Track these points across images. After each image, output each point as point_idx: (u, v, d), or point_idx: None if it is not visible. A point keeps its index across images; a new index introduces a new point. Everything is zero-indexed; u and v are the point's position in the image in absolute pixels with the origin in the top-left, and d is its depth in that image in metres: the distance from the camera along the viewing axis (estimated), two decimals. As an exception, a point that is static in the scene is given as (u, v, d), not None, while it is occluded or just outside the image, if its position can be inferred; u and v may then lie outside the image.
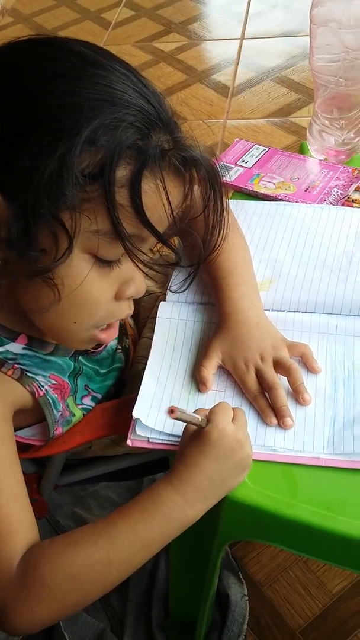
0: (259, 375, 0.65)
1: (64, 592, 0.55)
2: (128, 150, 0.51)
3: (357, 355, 0.67)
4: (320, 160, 0.92)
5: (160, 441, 0.62)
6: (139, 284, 0.59)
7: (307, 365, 0.66)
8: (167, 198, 0.53)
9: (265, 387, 0.64)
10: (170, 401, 0.64)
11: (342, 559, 0.59)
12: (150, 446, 0.62)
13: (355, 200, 0.83)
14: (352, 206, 0.83)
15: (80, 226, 0.51)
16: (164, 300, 0.75)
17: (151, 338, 0.72)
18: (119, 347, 0.78)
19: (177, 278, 0.75)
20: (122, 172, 0.51)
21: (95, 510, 0.98)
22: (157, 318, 0.72)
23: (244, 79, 2.23)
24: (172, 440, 0.62)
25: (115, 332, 0.64)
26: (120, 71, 0.53)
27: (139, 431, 0.62)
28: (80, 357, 0.70)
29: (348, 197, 0.84)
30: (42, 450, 0.69)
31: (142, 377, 0.67)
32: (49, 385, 0.65)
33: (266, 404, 0.63)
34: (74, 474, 0.84)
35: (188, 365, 0.68)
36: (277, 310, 0.72)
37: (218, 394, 0.65)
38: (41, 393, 0.63)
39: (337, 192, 0.85)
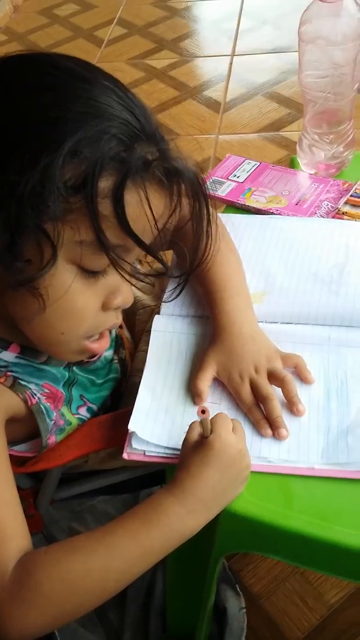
0: (254, 386, 0.65)
1: (60, 599, 0.55)
2: (111, 162, 0.51)
3: (350, 366, 0.67)
4: (311, 174, 0.93)
5: (156, 454, 0.62)
6: (125, 294, 0.60)
7: (301, 376, 0.66)
8: (150, 209, 0.54)
9: (259, 398, 0.65)
10: (166, 414, 0.65)
11: (339, 569, 0.59)
12: (147, 459, 0.62)
13: (346, 212, 0.85)
14: (343, 219, 0.84)
15: (64, 237, 0.52)
16: (159, 313, 0.76)
17: (147, 351, 0.72)
18: (115, 357, 0.79)
19: (169, 293, 0.76)
20: (105, 184, 0.51)
21: (92, 525, 0.97)
22: (151, 331, 0.73)
23: (235, 95, 2.26)
24: (168, 453, 0.62)
25: (106, 342, 0.65)
26: (105, 85, 0.54)
27: (135, 444, 0.62)
28: (74, 367, 0.71)
29: (338, 210, 0.85)
30: (38, 464, 0.69)
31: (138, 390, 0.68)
32: (41, 394, 0.65)
33: (261, 415, 0.64)
34: (71, 488, 0.84)
35: (183, 378, 0.68)
36: (270, 322, 0.72)
37: (213, 406, 0.66)
38: (34, 401, 0.64)
39: (328, 205, 0.87)
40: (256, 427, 0.63)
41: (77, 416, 0.71)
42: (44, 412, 0.65)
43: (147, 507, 0.58)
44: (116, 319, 0.62)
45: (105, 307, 0.59)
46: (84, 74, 0.54)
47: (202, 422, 0.57)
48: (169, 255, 0.80)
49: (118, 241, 0.54)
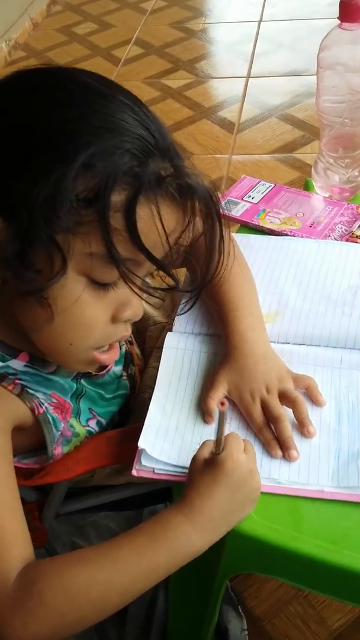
0: (265, 406, 0.65)
1: (62, 610, 0.54)
2: (124, 176, 0.51)
3: (362, 388, 0.67)
4: (325, 197, 0.94)
5: (165, 472, 0.62)
6: (135, 307, 0.60)
7: (312, 397, 0.66)
8: (162, 224, 0.54)
9: (270, 418, 0.65)
10: (176, 432, 0.65)
11: (346, 593, 0.59)
12: (156, 477, 0.62)
13: (359, 236, 0.85)
14: (357, 242, 0.84)
15: (75, 248, 0.52)
16: (171, 330, 0.76)
17: (157, 368, 0.72)
18: (124, 373, 0.79)
19: (182, 306, 0.76)
20: (117, 197, 0.51)
21: (95, 540, 0.97)
22: (163, 348, 0.73)
23: (249, 116, 2.29)
24: (177, 471, 0.62)
25: (115, 354, 0.65)
26: (122, 101, 0.55)
27: (144, 461, 0.62)
28: (82, 380, 0.71)
29: (352, 233, 0.86)
30: (45, 477, 0.69)
31: (147, 407, 0.68)
32: (49, 404, 0.65)
33: (271, 436, 0.64)
34: (76, 502, 0.84)
35: (194, 396, 0.68)
36: (282, 343, 0.73)
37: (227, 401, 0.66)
38: (41, 410, 0.64)
39: (342, 228, 0.87)
40: (266, 448, 0.63)
41: (87, 428, 0.71)
42: (51, 422, 0.65)
43: (154, 523, 0.57)
44: (125, 331, 0.62)
45: (114, 319, 0.59)
46: (102, 89, 0.55)
47: (216, 440, 0.57)
48: (183, 271, 0.81)
49: (129, 255, 0.54)
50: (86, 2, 3.34)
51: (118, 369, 0.78)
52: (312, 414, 0.65)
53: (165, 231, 0.54)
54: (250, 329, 0.70)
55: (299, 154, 2.06)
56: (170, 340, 0.74)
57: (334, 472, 0.60)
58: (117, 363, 0.78)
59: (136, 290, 0.56)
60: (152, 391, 0.70)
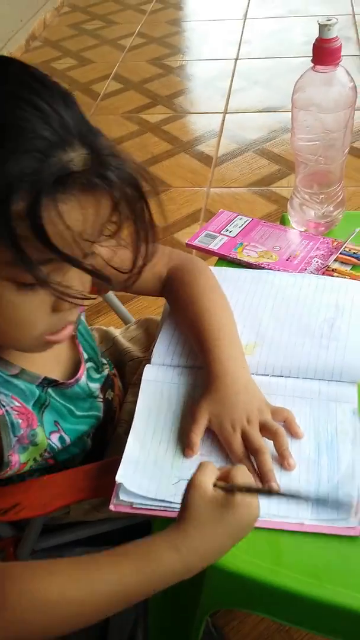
0: (245, 438, 0.65)
1: (26, 619, 0.52)
2: (22, 183, 0.49)
3: (340, 420, 0.68)
4: (301, 231, 0.96)
5: (143, 506, 0.62)
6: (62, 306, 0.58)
7: (290, 430, 0.67)
8: (66, 224, 0.51)
9: (251, 450, 0.65)
10: (155, 465, 0.65)
11: (327, 628, 0.58)
12: (134, 511, 0.62)
13: (335, 269, 0.87)
14: (332, 275, 0.86)
15: None
16: (149, 362, 0.76)
17: (133, 402, 0.72)
18: (101, 395, 0.78)
19: (159, 346, 0.77)
20: (19, 206, 0.49)
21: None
22: (142, 380, 0.73)
23: (226, 150, 2.34)
24: (156, 505, 0.62)
25: (69, 330, 0.63)
26: (20, 97, 0.51)
27: (122, 496, 0.62)
28: (49, 389, 0.70)
29: (328, 267, 0.87)
30: (20, 513, 0.68)
31: (124, 441, 0.68)
32: (10, 407, 0.64)
33: (252, 468, 0.64)
34: (52, 538, 0.82)
35: (173, 429, 0.68)
36: (262, 375, 0.73)
37: (203, 458, 0.66)
38: (0, 412, 0.63)
39: (318, 261, 0.89)
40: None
41: (48, 441, 0.70)
42: (9, 426, 0.64)
43: (141, 550, 0.55)
44: (71, 316, 0.60)
45: (55, 309, 0.58)
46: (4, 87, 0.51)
47: (231, 474, 0.55)
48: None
49: (45, 256, 0.51)
50: (65, 38, 3.40)
51: (94, 386, 0.77)
52: (292, 446, 0.65)
53: (71, 229, 0.51)
54: (232, 359, 0.70)
55: (276, 188, 2.10)
56: (149, 373, 0.74)
57: (313, 505, 0.60)
58: (94, 380, 0.78)
59: (56, 292, 0.53)
60: (128, 426, 0.69)
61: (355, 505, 0.60)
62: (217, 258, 0.94)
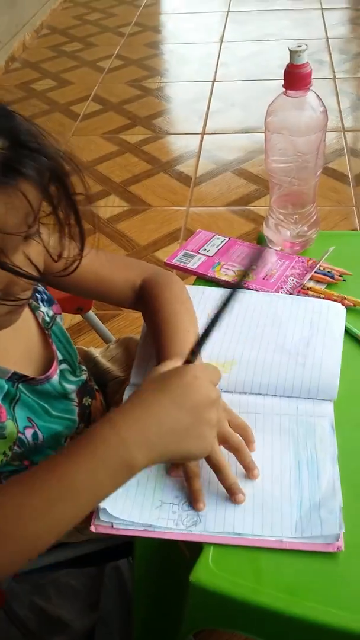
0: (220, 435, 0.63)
1: None
2: None
3: (319, 436, 0.69)
4: (277, 250, 0.98)
5: (124, 526, 0.62)
6: (22, 284, 0.57)
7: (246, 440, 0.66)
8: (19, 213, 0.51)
9: (211, 466, 0.63)
10: (137, 488, 0.65)
11: (308, 646, 0.59)
12: (114, 532, 0.62)
13: (310, 288, 0.89)
14: (307, 294, 0.88)
15: None
16: (129, 383, 0.76)
17: None
18: (76, 399, 0.78)
19: (138, 366, 0.77)
20: None
21: (55, 599, 0.94)
22: (123, 403, 0.73)
23: (205, 170, 2.37)
24: (137, 526, 0.62)
25: (22, 308, 0.63)
26: None
27: (102, 516, 0.62)
28: (20, 385, 0.70)
29: (303, 286, 0.89)
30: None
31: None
32: None
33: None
34: (34, 560, 0.82)
35: None
36: (239, 393, 0.74)
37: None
38: None
39: (293, 280, 0.91)
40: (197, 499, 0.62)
41: (20, 435, 0.69)
42: None
43: (79, 440, 0.53)
44: (24, 296, 0.60)
45: (5, 295, 0.57)
46: None
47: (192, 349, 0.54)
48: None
49: None
50: (44, 60, 3.44)
51: (70, 387, 0.77)
52: (272, 464, 0.66)
53: None
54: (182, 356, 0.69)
55: (253, 207, 2.13)
56: (129, 396, 0.74)
57: (297, 522, 0.61)
58: (69, 382, 0.78)
59: None
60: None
61: (337, 522, 0.60)
62: (195, 277, 0.95)
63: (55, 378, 0.75)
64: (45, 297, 0.79)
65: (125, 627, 0.89)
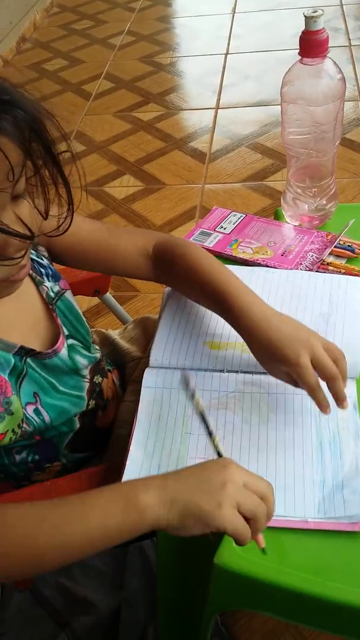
0: (316, 364, 0.63)
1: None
2: None
3: (341, 416, 0.68)
4: (295, 225, 0.96)
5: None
6: (16, 244, 0.58)
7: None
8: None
9: (325, 377, 0.63)
10: (159, 470, 0.64)
11: (333, 626, 0.58)
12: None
13: (330, 263, 0.87)
14: (327, 269, 0.86)
15: None
16: (147, 365, 0.76)
17: (132, 402, 0.72)
18: (87, 375, 0.78)
19: (157, 347, 0.76)
20: None
21: (81, 580, 0.95)
22: (142, 387, 0.73)
23: (220, 146, 2.33)
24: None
25: (27, 268, 0.64)
26: None
27: None
28: (28, 359, 0.70)
29: (323, 261, 0.87)
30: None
31: (125, 442, 0.68)
32: None
33: (323, 396, 0.63)
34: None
35: (175, 434, 0.68)
36: (260, 373, 0.73)
37: (209, 437, 0.66)
38: None
39: (313, 255, 0.89)
40: (319, 407, 0.63)
41: (23, 411, 0.69)
42: None
43: (115, 485, 0.57)
44: (23, 260, 0.61)
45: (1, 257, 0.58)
46: None
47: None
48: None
49: None
50: (55, 39, 3.39)
51: (82, 362, 0.77)
52: (295, 446, 0.65)
53: None
54: (255, 305, 0.68)
55: (270, 182, 2.09)
56: (148, 379, 0.74)
57: (319, 503, 0.60)
58: (82, 356, 0.78)
59: None
60: (129, 427, 0.69)
61: None
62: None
63: (64, 352, 0.75)
64: (51, 272, 0.78)
65: (150, 607, 0.89)
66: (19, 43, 3.37)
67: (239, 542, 0.55)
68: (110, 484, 0.64)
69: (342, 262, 0.87)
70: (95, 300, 1.28)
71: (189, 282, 0.77)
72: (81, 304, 0.82)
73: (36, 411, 0.71)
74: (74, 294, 0.82)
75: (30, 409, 0.70)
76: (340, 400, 0.64)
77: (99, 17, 3.56)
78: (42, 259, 0.77)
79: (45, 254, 0.79)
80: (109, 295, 1.10)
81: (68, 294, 0.79)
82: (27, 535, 0.54)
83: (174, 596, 0.73)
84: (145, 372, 0.74)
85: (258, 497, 0.55)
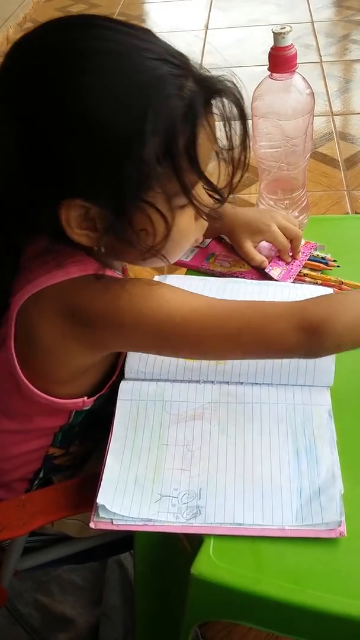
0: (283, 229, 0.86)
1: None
2: (180, 124, 0.56)
3: (316, 424, 0.68)
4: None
5: (124, 522, 0.61)
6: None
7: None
8: (209, 146, 0.61)
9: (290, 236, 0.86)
10: (136, 484, 0.64)
11: (313, 634, 0.58)
12: (115, 527, 0.61)
13: (307, 274, 0.88)
14: (304, 280, 0.87)
15: (158, 200, 0.58)
16: (123, 377, 0.75)
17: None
18: None
19: (131, 358, 0.75)
20: (181, 143, 0.56)
21: (58, 596, 0.94)
22: (117, 400, 0.73)
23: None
24: (137, 521, 0.61)
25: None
26: (134, 46, 0.56)
27: (102, 514, 0.62)
28: None
29: (300, 272, 0.88)
30: (1, 533, 0.67)
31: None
32: None
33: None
34: (35, 557, 0.82)
35: (152, 446, 0.68)
36: (235, 383, 0.73)
37: (186, 448, 0.66)
38: None
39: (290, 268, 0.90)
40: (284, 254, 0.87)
41: None
42: None
43: None
44: (202, 224, 0.69)
45: (196, 219, 0.66)
46: (121, 49, 0.56)
47: None
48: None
49: (194, 181, 0.60)
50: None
51: None
52: (271, 454, 0.65)
53: (208, 156, 0.61)
54: (228, 208, 0.85)
55: (244, 195, 2.11)
56: (124, 392, 0.73)
57: (297, 511, 0.61)
58: None
59: (202, 214, 0.64)
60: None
61: (337, 509, 0.60)
62: (185, 270, 0.93)
63: None
64: None
65: (130, 621, 0.89)
66: (17, 29, 3.37)
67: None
68: (85, 496, 0.65)
69: (318, 273, 0.88)
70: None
71: None
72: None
73: None
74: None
75: None
76: (295, 254, 0.88)
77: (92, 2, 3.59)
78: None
79: None
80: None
81: None
82: None
83: (153, 608, 0.72)
84: (120, 385, 0.74)
85: None
